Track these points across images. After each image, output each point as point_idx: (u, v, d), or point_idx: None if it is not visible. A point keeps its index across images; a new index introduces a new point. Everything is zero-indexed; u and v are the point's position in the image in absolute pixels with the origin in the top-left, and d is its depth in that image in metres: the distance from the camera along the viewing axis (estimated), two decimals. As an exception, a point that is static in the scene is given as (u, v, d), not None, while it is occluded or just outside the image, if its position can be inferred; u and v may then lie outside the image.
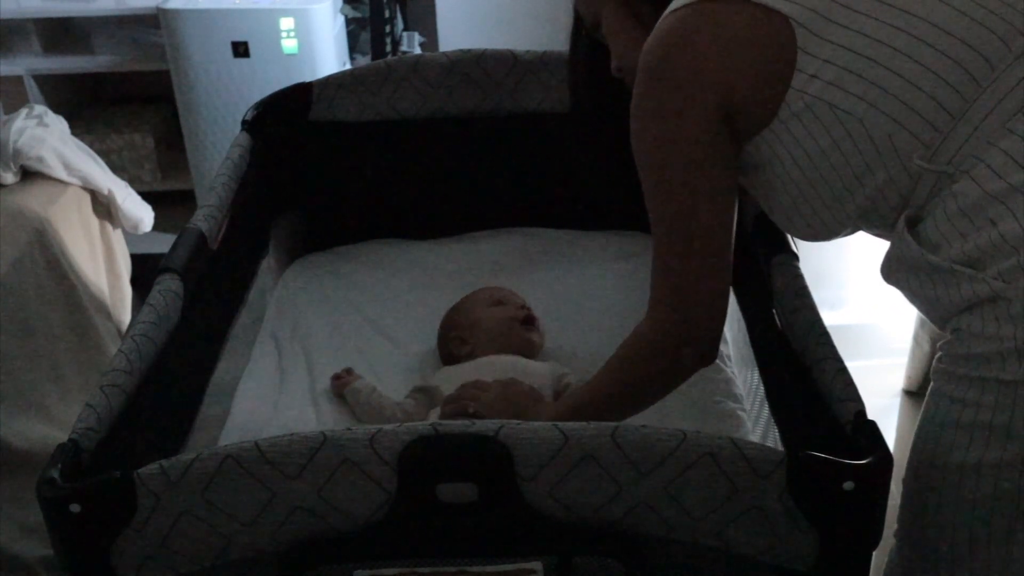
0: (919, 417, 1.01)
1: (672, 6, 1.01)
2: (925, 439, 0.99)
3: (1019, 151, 0.90)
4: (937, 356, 0.99)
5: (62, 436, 0.98)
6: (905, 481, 1.03)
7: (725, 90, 0.98)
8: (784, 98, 0.97)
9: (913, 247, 0.96)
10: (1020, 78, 0.91)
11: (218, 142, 2.59)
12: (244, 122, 1.72)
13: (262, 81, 2.44)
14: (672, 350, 1.08)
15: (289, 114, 1.79)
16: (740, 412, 1.44)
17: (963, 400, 0.94)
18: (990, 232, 0.91)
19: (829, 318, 1.16)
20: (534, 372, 1.44)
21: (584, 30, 1.21)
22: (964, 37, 0.92)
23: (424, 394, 1.44)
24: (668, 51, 1.00)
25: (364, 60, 2.75)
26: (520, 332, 1.53)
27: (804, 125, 0.98)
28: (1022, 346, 0.89)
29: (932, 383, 1.00)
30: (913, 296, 1.02)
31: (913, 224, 0.98)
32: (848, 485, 0.87)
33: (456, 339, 1.54)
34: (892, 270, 1.02)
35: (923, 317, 2.15)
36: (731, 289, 1.11)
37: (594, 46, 1.19)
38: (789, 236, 1.35)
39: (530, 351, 1.54)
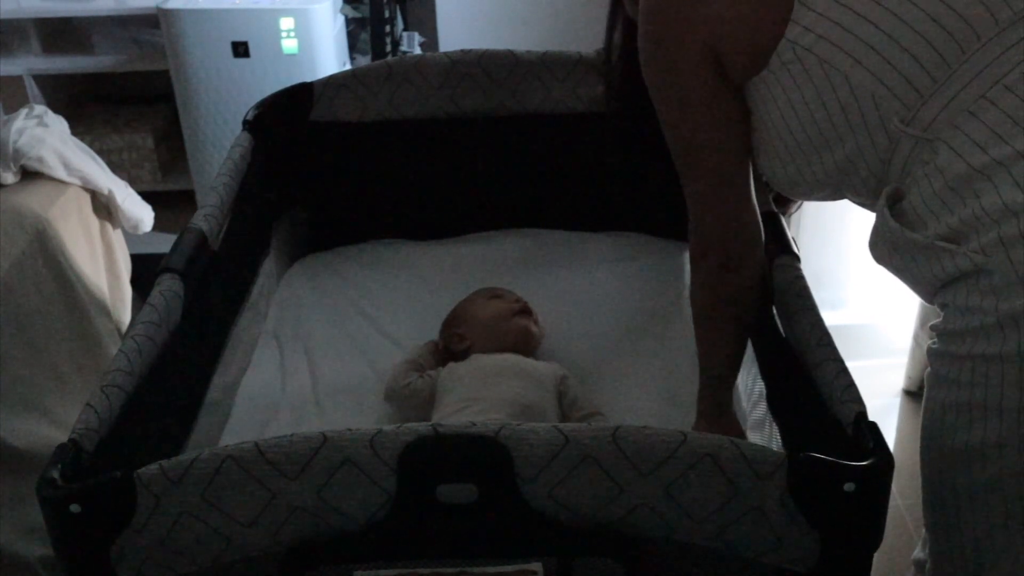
0: (923, 402, 1.02)
1: None
2: (929, 425, 1.00)
3: (1000, 124, 0.91)
4: (930, 340, 1.00)
5: (62, 436, 0.98)
6: (921, 471, 1.03)
7: (712, 33, 1.02)
8: (776, 48, 1.00)
9: (892, 225, 0.98)
10: (1002, 50, 0.92)
11: (218, 142, 2.59)
12: (245, 122, 1.72)
13: (262, 81, 2.44)
14: (697, 258, 1.18)
15: (290, 114, 1.79)
16: (741, 413, 1.44)
17: (957, 381, 0.95)
18: (974, 206, 0.92)
19: (829, 318, 1.17)
20: (534, 370, 1.44)
21: (618, 24, 1.25)
22: (951, 3, 0.94)
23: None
24: None
25: (364, 60, 2.75)
26: (517, 321, 1.54)
27: (792, 76, 1.01)
28: (1004, 318, 0.90)
29: (928, 367, 1.01)
30: (898, 272, 1.04)
31: (895, 201, 0.99)
32: (849, 486, 0.87)
33: (455, 336, 1.54)
34: (876, 247, 1.04)
35: (923, 317, 2.16)
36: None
37: (628, 41, 1.22)
38: (790, 237, 1.35)
39: (527, 341, 1.54)
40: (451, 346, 1.54)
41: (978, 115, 0.92)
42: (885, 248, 1.02)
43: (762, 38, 1.01)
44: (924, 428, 1.01)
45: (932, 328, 1.00)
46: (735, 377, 1.28)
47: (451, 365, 1.48)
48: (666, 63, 1.07)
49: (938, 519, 1.02)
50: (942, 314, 0.98)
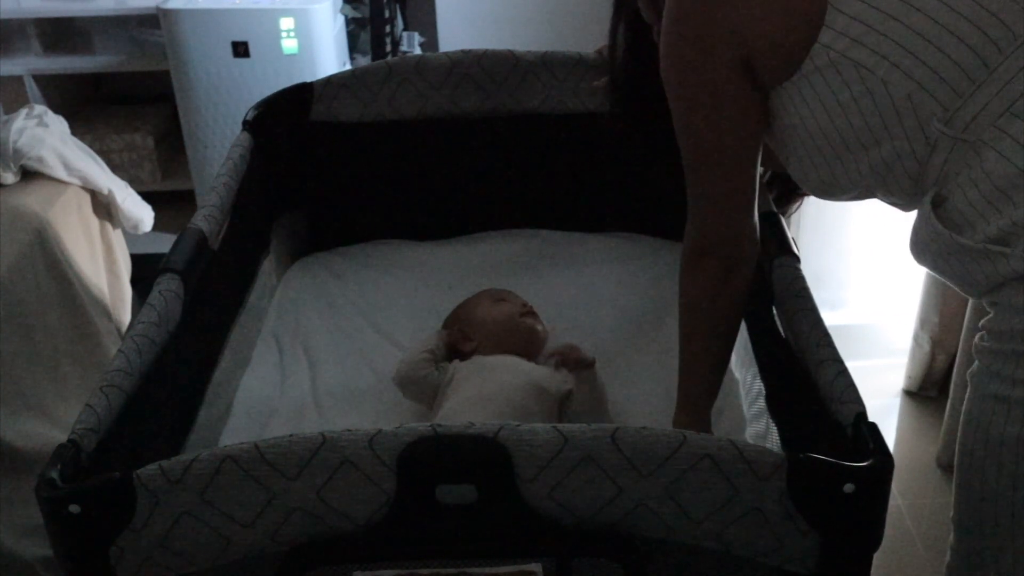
0: (965, 399, 1.02)
1: None
2: (975, 418, 1.00)
3: None
4: (978, 335, 1.00)
5: (62, 436, 0.98)
6: (956, 464, 1.03)
7: (743, 39, 1.01)
8: (809, 52, 0.99)
9: (940, 230, 0.98)
10: None
11: (218, 142, 2.59)
12: (245, 122, 1.72)
13: (262, 81, 2.44)
14: (694, 259, 1.17)
15: (290, 114, 1.79)
16: (741, 413, 1.44)
17: (1012, 377, 0.95)
18: None
19: (829, 318, 1.17)
20: (538, 373, 1.43)
21: (621, 22, 1.24)
22: (986, 3, 0.94)
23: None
24: None
25: (364, 60, 2.75)
26: (525, 322, 1.54)
27: (826, 80, 1.00)
28: None
29: (975, 363, 1.01)
30: (942, 273, 1.03)
31: (939, 204, 0.99)
32: (848, 487, 0.87)
33: (461, 335, 1.54)
34: (920, 250, 1.04)
35: (923, 317, 2.16)
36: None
37: (632, 40, 1.22)
38: (790, 237, 1.35)
39: (534, 341, 1.54)
40: (457, 345, 1.54)
41: (1021, 117, 0.92)
42: (928, 250, 1.02)
43: (795, 42, 1.00)
44: (966, 421, 1.01)
45: (982, 326, 1.00)
46: (716, 394, 1.24)
47: (456, 363, 1.48)
48: (692, 66, 1.06)
49: (971, 512, 1.02)
50: (991, 312, 0.98)
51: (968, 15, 0.94)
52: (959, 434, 1.02)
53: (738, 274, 1.16)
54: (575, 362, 1.44)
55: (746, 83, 1.05)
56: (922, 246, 1.03)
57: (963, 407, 1.02)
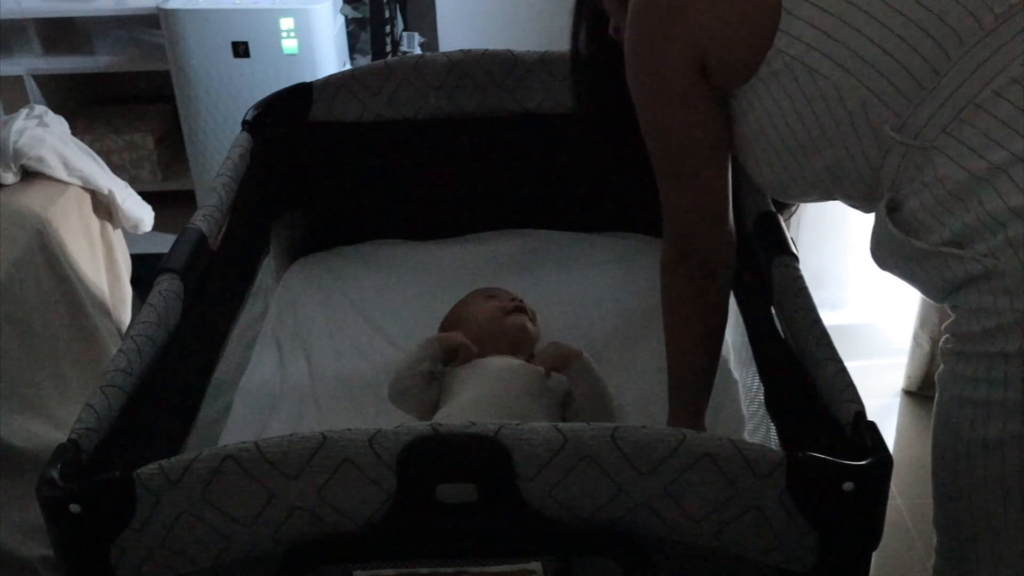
0: (935, 403, 1.02)
1: None
2: (944, 421, 1.00)
3: (994, 129, 0.92)
4: (943, 338, 1.01)
5: (62, 436, 0.98)
6: (933, 469, 1.04)
7: (703, 42, 1.02)
8: (765, 57, 1.00)
9: (896, 234, 0.98)
10: (988, 55, 0.93)
11: (218, 142, 2.59)
12: (244, 122, 1.73)
13: (262, 81, 2.44)
14: (672, 265, 1.17)
15: (289, 114, 1.79)
16: (740, 413, 1.44)
17: (975, 378, 0.95)
18: (977, 211, 0.92)
19: (829, 318, 1.17)
20: (536, 375, 1.43)
21: (583, 25, 1.24)
22: (936, 9, 0.94)
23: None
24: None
25: (364, 60, 2.75)
26: (513, 319, 1.54)
27: (781, 84, 1.01)
28: (1021, 317, 0.90)
29: (942, 366, 1.01)
30: (903, 277, 1.04)
31: (894, 209, 1.00)
32: (848, 486, 0.87)
33: (451, 341, 1.54)
34: (878, 253, 1.04)
35: (923, 317, 2.16)
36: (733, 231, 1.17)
37: (593, 40, 1.22)
38: (789, 237, 1.35)
39: (524, 338, 1.54)
40: (452, 353, 1.54)
41: (971, 121, 0.93)
42: (888, 255, 1.02)
43: (750, 47, 1.01)
44: (936, 424, 1.02)
45: (945, 329, 1.00)
46: (708, 393, 1.25)
47: (453, 369, 1.48)
48: (653, 70, 1.07)
49: (948, 513, 1.02)
50: (953, 315, 0.99)
51: (919, 22, 0.94)
52: (932, 436, 1.03)
53: (717, 276, 1.17)
54: (561, 360, 1.43)
55: (706, 87, 1.05)
56: (882, 251, 1.03)
57: (933, 410, 1.02)
